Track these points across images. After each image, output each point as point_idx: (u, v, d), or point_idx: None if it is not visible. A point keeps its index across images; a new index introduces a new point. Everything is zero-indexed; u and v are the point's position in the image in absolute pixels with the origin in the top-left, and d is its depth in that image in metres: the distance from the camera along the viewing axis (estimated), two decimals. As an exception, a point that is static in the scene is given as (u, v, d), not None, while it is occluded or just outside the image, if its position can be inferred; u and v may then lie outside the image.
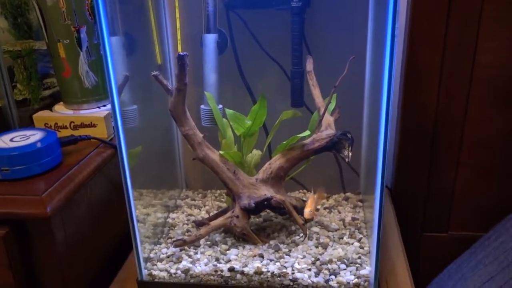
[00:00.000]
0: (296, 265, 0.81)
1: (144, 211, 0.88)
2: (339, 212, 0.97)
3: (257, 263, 0.81)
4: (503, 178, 1.19)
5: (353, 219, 0.94)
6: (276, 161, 0.87)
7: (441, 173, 1.20)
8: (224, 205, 1.01)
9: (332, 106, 0.90)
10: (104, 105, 0.96)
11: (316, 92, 0.91)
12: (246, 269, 0.80)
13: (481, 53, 1.06)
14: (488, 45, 1.06)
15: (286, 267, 0.80)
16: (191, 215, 0.98)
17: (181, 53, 0.76)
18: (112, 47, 0.71)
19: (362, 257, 0.83)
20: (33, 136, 0.80)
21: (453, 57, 1.06)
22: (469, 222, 1.24)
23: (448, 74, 1.08)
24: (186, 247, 0.86)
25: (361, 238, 0.88)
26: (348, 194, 1.04)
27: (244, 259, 0.83)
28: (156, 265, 0.84)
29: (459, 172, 1.18)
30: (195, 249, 0.86)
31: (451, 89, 1.09)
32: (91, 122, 0.90)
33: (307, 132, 0.84)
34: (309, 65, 0.91)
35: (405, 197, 1.23)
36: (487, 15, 1.03)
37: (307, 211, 0.84)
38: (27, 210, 0.71)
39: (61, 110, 0.95)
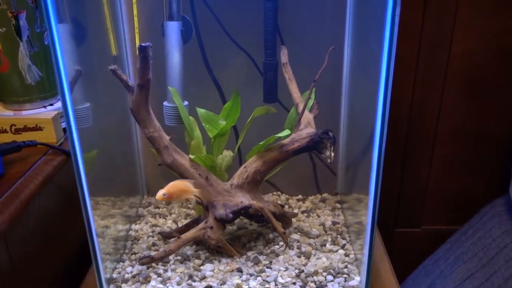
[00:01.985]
0: (280, 279, 0.73)
1: (102, 223, 0.77)
2: (318, 216, 0.90)
3: (236, 279, 0.73)
4: (476, 170, 1.17)
5: (334, 223, 0.88)
6: (252, 164, 0.78)
7: (415, 167, 1.17)
8: (192, 212, 0.92)
9: (311, 101, 0.82)
10: (51, 104, 0.83)
11: (293, 87, 0.83)
12: (224, 287, 0.72)
13: (456, 44, 1.02)
14: (464, 35, 1.02)
15: (268, 282, 0.73)
16: (156, 225, 0.88)
17: (143, 44, 0.66)
18: (60, 36, 0.60)
19: (349, 266, 0.76)
20: (-35, 145, 0.67)
21: (429, 49, 1.02)
22: (442, 217, 1.22)
23: (424, 66, 1.04)
24: (154, 264, 0.77)
25: (345, 245, 0.81)
26: (324, 195, 0.98)
27: (221, 275, 0.74)
28: (120, 286, 0.73)
29: (432, 166, 1.16)
30: (165, 266, 0.77)
31: (427, 81, 1.06)
32: (37, 125, 0.78)
33: (287, 132, 0.76)
34: (284, 57, 0.83)
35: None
36: (464, 5, 0.99)
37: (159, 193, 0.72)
38: (-38, 238, 0.58)
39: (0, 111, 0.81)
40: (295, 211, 0.91)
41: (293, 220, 0.87)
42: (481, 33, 1.02)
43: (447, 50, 1.02)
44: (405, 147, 1.13)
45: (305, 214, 0.90)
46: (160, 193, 0.72)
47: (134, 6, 0.82)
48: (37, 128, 0.78)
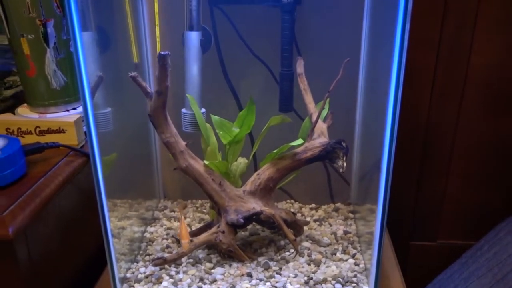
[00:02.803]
0: (288, 285, 0.74)
1: (119, 225, 0.79)
2: (330, 225, 0.91)
3: (245, 284, 0.74)
4: (493, 185, 1.16)
5: (345, 232, 0.88)
6: (265, 171, 0.80)
7: (431, 181, 1.16)
8: (206, 216, 0.94)
9: (324, 112, 0.83)
10: (74, 108, 0.87)
11: (308, 97, 0.84)
12: (233, 291, 0.73)
13: (475, 56, 1.02)
14: (483, 48, 1.02)
15: (277, 288, 0.74)
16: (170, 228, 0.90)
17: (162, 53, 0.68)
18: (84, 44, 0.63)
19: (358, 275, 0.77)
20: (-8, 145, 0.71)
21: (447, 61, 1.02)
22: (458, 231, 1.21)
23: (442, 79, 1.04)
24: (166, 266, 0.79)
25: (355, 254, 0.82)
26: (338, 204, 0.98)
27: (231, 279, 0.76)
28: (133, 286, 0.76)
29: (449, 179, 1.15)
30: (177, 268, 0.79)
31: (444, 94, 1.05)
32: (60, 128, 0.81)
33: (300, 141, 0.77)
34: (300, 67, 0.85)
35: (394, 204, 1.18)
36: (483, 18, 0.99)
37: (184, 243, 0.76)
38: (-15, 232, 0.61)
39: (25, 114, 0.85)
40: (308, 219, 0.92)
41: (305, 228, 0.88)
42: (501, 45, 1.01)
43: (465, 62, 1.02)
44: (422, 160, 1.13)
45: (317, 223, 0.91)
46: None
47: (156, 16, 0.85)
48: (60, 131, 0.81)
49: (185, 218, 0.94)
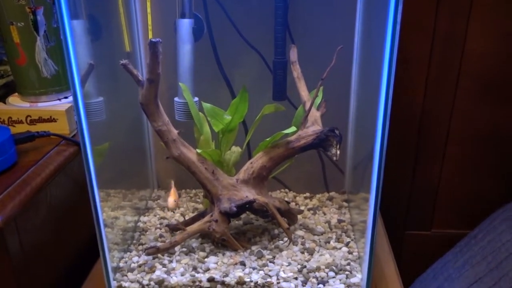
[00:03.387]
0: (282, 274, 0.74)
1: (112, 214, 0.79)
2: (324, 214, 0.90)
3: (239, 272, 0.74)
4: (487, 174, 1.16)
5: (339, 221, 0.88)
6: (258, 160, 0.79)
7: (426, 169, 1.16)
8: (200, 206, 0.94)
9: (318, 100, 0.83)
10: (66, 97, 0.86)
11: (301, 85, 0.84)
12: (227, 279, 0.73)
13: (470, 43, 1.01)
14: (478, 34, 1.01)
15: (270, 276, 0.74)
16: (164, 218, 0.90)
17: (153, 40, 0.68)
18: (74, 32, 0.62)
19: (352, 263, 0.77)
20: (-18, 133, 0.70)
21: (442, 47, 1.01)
22: (453, 220, 1.21)
23: (437, 65, 1.03)
24: (159, 255, 0.78)
25: (349, 242, 0.82)
26: (332, 193, 0.98)
27: (224, 268, 0.75)
28: (126, 275, 0.75)
29: (444, 168, 1.15)
30: (170, 257, 0.78)
31: (439, 80, 1.05)
32: (51, 116, 0.80)
33: (293, 128, 0.77)
34: (293, 55, 0.84)
35: (388, 194, 1.18)
36: (477, 6, 0.98)
37: (171, 201, 0.81)
38: (-26, 220, 0.61)
39: (16, 103, 0.84)
40: (302, 208, 0.92)
41: (299, 217, 0.88)
42: (496, 34, 1.01)
43: (460, 50, 1.01)
44: (417, 148, 1.13)
45: (311, 212, 0.91)
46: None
47: (148, 4, 0.84)
48: (51, 120, 0.81)
49: (178, 208, 0.94)
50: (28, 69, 0.82)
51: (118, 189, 0.83)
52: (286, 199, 0.96)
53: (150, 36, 0.85)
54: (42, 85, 0.83)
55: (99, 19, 0.77)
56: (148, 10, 0.84)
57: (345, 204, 0.94)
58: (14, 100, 0.85)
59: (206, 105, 0.80)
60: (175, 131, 0.76)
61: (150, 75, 0.70)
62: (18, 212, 0.65)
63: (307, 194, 0.98)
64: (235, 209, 0.76)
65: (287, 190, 0.99)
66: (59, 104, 0.84)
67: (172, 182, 0.85)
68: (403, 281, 0.83)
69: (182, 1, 0.81)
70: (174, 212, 0.92)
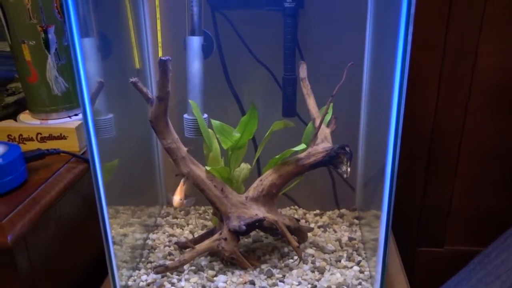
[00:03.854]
0: (292, 293, 0.73)
1: (121, 231, 0.79)
2: (335, 232, 0.89)
3: (248, 292, 0.73)
4: (501, 190, 1.14)
5: (350, 239, 0.87)
6: (268, 177, 0.79)
7: (438, 185, 1.15)
8: (209, 223, 0.93)
9: (328, 116, 0.82)
10: (76, 114, 0.86)
11: (311, 102, 0.83)
12: (236, 299, 0.72)
13: (481, 59, 1.00)
14: (488, 51, 1.00)
15: (280, 296, 0.73)
16: (173, 235, 0.90)
17: (162, 58, 0.68)
18: (85, 50, 0.62)
19: (363, 283, 0.76)
20: (-8, 151, 0.70)
21: (452, 63, 1.01)
22: (465, 237, 1.19)
23: (447, 81, 1.02)
24: (168, 273, 0.78)
25: (360, 261, 0.80)
26: (343, 210, 0.97)
27: (233, 287, 0.74)
28: (134, 294, 0.75)
29: (456, 184, 1.13)
30: (179, 275, 0.78)
31: (450, 96, 1.04)
32: (61, 134, 0.81)
33: (303, 146, 0.76)
34: (303, 72, 0.84)
35: (399, 210, 1.16)
36: (489, 20, 0.98)
37: (176, 199, 0.76)
38: (-16, 239, 0.61)
39: (27, 120, 0.85)
40: (312, 225, 0.91)
41: (309, 234, 0.87)
42: (507, 48, 1.00)
43: (471, 64, 1.00)
44: (428, 164, 1.11)
45: (322, 229, 0.90)
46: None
47: (158, 21, 0.84)
48: (61, 137, 0.81)
49: (187, 225, 0.93)
50: (39, 87, 0.82)
51: (127, 206, 0.83)
52: (296, 216, 0.95)
53: (160, 53, 0.86)
54: (53, 102, 0.84)
55: (109, 37, 0.78)
56: (158, 27, 0.85)
57: (355, 221, 0.93)
58: (25, 118, 0.86)
59: (215, 122, 0.79)
60: (184, 149, 0.76)
61: (160, 93, 0.70)
62: (28, 231, 0.65)
63: (317, 211, 0.97)
64: (244, 227, 0.75)
65: (296, 207, 0.98)
66: (69, 122, 0.84)
67: (182, 180, 0.80)
68: (416, 299, 0.82)
69: (192, 19, 0.82)
70: (183, 230, 0.91)
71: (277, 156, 0.78)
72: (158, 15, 0.84)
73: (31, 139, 0.81)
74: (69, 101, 0.85)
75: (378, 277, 0.71)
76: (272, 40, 0.85)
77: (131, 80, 0.71)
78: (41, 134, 0.81)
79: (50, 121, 0.84)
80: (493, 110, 1.05)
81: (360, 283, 0.75)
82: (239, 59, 0.88)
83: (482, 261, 1.04)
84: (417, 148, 1.10)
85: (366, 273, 0.78)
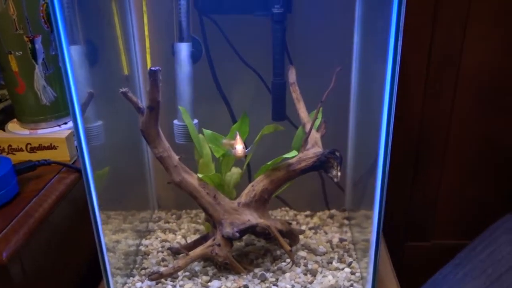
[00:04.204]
0: (285, 297, 0.74)
1: (113, 238, 0.79)
2: (326, 233, 0.91)
3: (242, 297, 0.74)
4: (487, 184, 1.17)
5: (341, 240, 0.88)
6: (260, 183, 0.80)
7: (425, 181, 1.17)
8: (201, 227, 0.94)
9: (318, 121, 0.83)
10: (65, 123, 0.86)
11: (300, 106, 0.84)
12: (231, 304, 0.73)
13: (466, 56, 1.02)
14: (474, 47, 1.02)
15: (274, 300, 0.74)
16: (165, 240, 0.90)
17: (153, 68, 0.68)
18: (73, 58, 0.62)
19: (355, 284, 0.77)
20: (-17, 165, 0.70)
21: (438, 60, 1.02)
22: (453, 230, 1.22)
23: (434, 78, 1.04)
24: (163, 280, 0.78)
25: (351, 263, 0.82)
26: (333, 211, 0.98)
27: (228, 292, 0.76)
28: (130, 302, 0.76)
29: (443, 178, 1.16)
30: (173, 281, 0.79)
31: (437, 93, 1.06)
32: (51, 144, 0.80)
33: (294, 153, 0.77)
34: (292, 76, 0.84)
35: (387, 206, 1.18)
36: (474, 17, 0.99)
37: (239, 148, 0.74)
38: (-22, 257, 0.61)
39: (16, 130, 0.84)
40: (303, 227, 0.93)
41: (301, 236, 0.88)
42: (491, 46, 1.02)
43: (457, 61, 1.02)
44: (416, 160, 1.14)
45: (313, 231, 0.91)
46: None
47: (146, 28, 0.84)
48: (51, 147, 0.80)
49: (179, 229, 0.94)
50: (27, 97, 0.82)
51: (119, 212, 0.83)
52: (287, 217, 0.96)
53: (149, 59, 0.85)
54: (42, 112, 0.83)
55: (96, 44, 0.77)
56: (146, 33, 0.84)
57: (346, 222, 0.95)
58: (14, 127, 0.85)
59: (207, 132, 0.80)
60: (176, 157, 0.76)
61: (151, 102, 0.70)
62: (22, 245, 0.65)
63: (308, 212, 0.98)
64: (238, 234, 0.76)
65: (287, 208, 0.99)
66: (59, 131, 0.83)
67: (237, 132, 0.79)
68: (404, 292, 0.83)
69: (180, 25, 0.81)
70: (175, 234, 0.92)
71: (268, 163, 0.79)
72: (145, 21, 0.84)
73: (21, 150, 0.81)
74: (58, 110, 0.85)
75: (369, 277, 0.72)
76: (261, 45, 0.85)
77: (121, 90, 0.70)
78: (30, 144, 0.81)
79: (39, 131, 0.83)
80: (479, 105, 1.07)
81: (351, 285, 0.77)
82: (228, 64, 0.88)
83: (468, 255, 1.07)
84: (405, 144, 1.12)
85: (357, 274, 0.80)
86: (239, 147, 0.75)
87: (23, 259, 0.69)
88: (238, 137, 0.76)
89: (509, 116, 1.10)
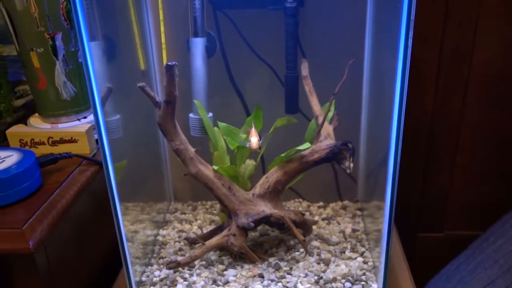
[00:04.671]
0: (299, 285, 0.76)
1: (132, 228, 0.82)
2: (338, 223, 0.93)
3: (257, 285, 0.77)
4: (498, 177, 1.17)
5: (353, 230, 0.90)
6: (274, 174, 0.82)
7: (437, 174, 1.18)
8: (216, 218, 0.96)
9: (330, 113, 0.85)
10: (85, 117, 0.88)
11: (313, 99, 0.85)
12: (246, 292, 0.76)
13: (478, 53, 1.03)
14: (485, 44, 1.02)
15: (288, 288, 0.76)
16: (182, 231, 0.93)
17: (169, 63, 0.70)
18: (92, 54, 0.64)
19: (367, 273, 0.79)
20: (8, 159, 0.73)
21: (450, 57, 1.03)
22: (464, 222, 1.23)
23: (445, 75, 1.05)
24: (180, 269, 0.81)
25: (363, 252, 0.84)
26: (345, 202, 1.00)
27: (243, 280, 0.78)
28: (148, 289, 0.78)
29: (454, 172, 1.16)
30: (190, 270, 0.81)
31: (448, 89, 1.06)
32: (72, 137, 0.83)
33: (307, 145, 0.79)
34: (304, 70, 0.86)
35: (400, 198, 1.19)
36: (485, 15, 1.00)
37: (254, 141, 0.76)
38: (6, 246, 0.64)
39: (38, 124, 0.87)
40: (316, 218, 0.94)
41: (314, 227, 0.90)
42: (503, 41, 1.02)
43: (468, 59, 1.03)
44: (427, 153, 1.14)
45: (326, 221, 0.93)
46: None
47: (161, 23, 0.86)
48: (72, 140, 0.83)
49: (196, 220, 0.96)
50: (48, 92, 0.84)
51: (137, 203, 0.86)
52: (300, 209, 0.98)
53: (164, 54, 0.87)
54: (62, 106, 0.86)
55: (114, 40, 0.80)
56: (162, 29, 0.86)
57: (358, 212, 0.96)
58: (35, 122, 0.88)
59: (222, 125, 0.82)
60: (192, 149, 0.78)
61: (167, 97, 0.73)
62: (47, 235, 0.68)
63: (321, 204, 1.00)
64: (252, 224, 0.78)
65: (300, 199, 1.01)
66: (79, 125, 0.86)
67: (253, 123, 0.80)
68: (416, 283, 0.85)
69: (195, 20, 0.83)
70: (191, 225, 0.95)
71: (282, 155, 0.80)
72: (161, 17, 0.86)
73: (43, 143, 0.84)
74: (78, 104, 0.87)
75: (381, 267, 0.74)
76: (274, 39, 0.87)
77: (139, 85, 0.72)
78: (52, 138, 0.83)
79: (60, 125, 0.86)
80: (489, 102, 1.08)
81: (364, 274, 0.79)
82: (242, 58, 0.90)
83: (481, 246, 1.08)
84: (417, 139, 1.13)
85: (369, 263, 0.81)
86: (254, 140, 0.77)
87: (47, 248, 0.72)
88: (253, 129, 0.78)
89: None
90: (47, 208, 0.70)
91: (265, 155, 0.93)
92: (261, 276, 0.78)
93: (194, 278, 0.79)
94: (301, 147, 0.79)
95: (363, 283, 0.77)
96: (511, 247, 1.00)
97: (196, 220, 0.96)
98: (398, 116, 0.65)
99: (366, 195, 0.95)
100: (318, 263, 0.81)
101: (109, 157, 0.69)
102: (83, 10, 0.61)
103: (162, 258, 0.85)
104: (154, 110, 0.75)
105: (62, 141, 0.83)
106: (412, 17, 0.59)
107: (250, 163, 0.88)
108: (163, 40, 0.87)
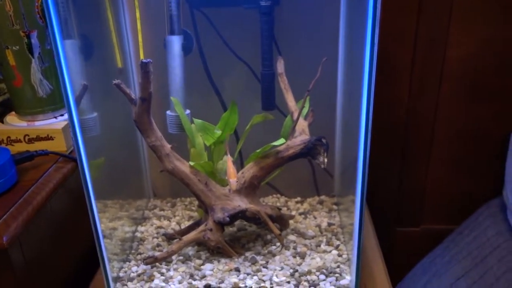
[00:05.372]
0: (275, 278, 0.78)
1: (110, 225, 0.82)
2: (315, 218, 0.94)
3: (234, 278, 0.78)
4: (472, 171, 1.20)
5: (329, 224, 0.92)
6: (249, 170, 0.83)
7: (413, 168, 1.20)
8: (194, 214, 0.97)
9: (305, 110, 0.86)
10: (62, 115, 0.89)
11: (288, 96, 0.87)
12: (222, 286, 0.77)
13: (451, 48, 1.05)
14: (459, 39, 1.05)
15: (264, 281, 0.77)
16: (160, 227, 0.93)
17: (144, 60, 0.70)
18: (67, 52, 0.65)
19: (341, 265, 0.81)
20: (-17, 156, 0.73)
21: (424, 53, 1.05)
22: (441, 216, 1.25)
23: (419, 70, 1.07)
24: (157, 264, 0.82)
25: (338, 245, 0.85)
26: (322, 197, 1.02)
27: (220, 274, 0.79)
28: (126, 285, 0.79)
29: (430, 167, 1.19)
30: (167, 265, 0.82)
31: (422, 85, 1.08)
32: (48, 135, 0.83)
33: (282, 140, 0.80)
34: (280, 67, 0.87)
35: (378, 193, 1.22)
36: (458, 9, 1.02)
37: (233, 182, 0.76)
38: (-20, 242, 0.64)
39: (14, 122, 0.87)
40: (293, 213, 0.96)
41: (291, 221, 0.91)
42: (474, 38, 1.04)
43: (441, 54, 1.05)
44: (403, 148, 1.17)
45: (303, 216, 0.95)
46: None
47: (138, 22, 0.86)
48: (48, 138, 0.84)
49: (174, 216, 0.97)
50: (24, 90, 0.85)
51: (115, 200, 0.87)
52: (278, 204, 1.00)
53: (141, 52, 0.88)
54: (39, 104, 0.86)
55: (91, 38, 0.80)
56: (139, 27, 0.87)
57: (334, 207, 0.98)
58: (12, 120, 0.88)
59: (197, 121, 0.83)
60: (168, 146, 0.79)
61: (143, 93, 0.73)
62: (21, 231, 0.68)
63: (298, 199, 1.01)
64: (228, 219, 0.79)
65: (279, 195, 1.03)
66: (55, 123, 0.86)
67: (229, 158, 0.79)
68: (395, 277, 0.87)
69: (171, 19, 0.84)
70: (170, 221, 0.95)
71: (258, 150, 0.82)
72: (138, 15, 0.86)
73: (19, 141, 0.84)
74: (54, 102, 0.88)
75: (354, 259, 0.76)
76: (250, 37, 0.88)
77: (115, 82, 0.73)
78: (28, 135, 0.84)
79: (36, 123, 0.86)
80: (463, 96, 1.10)
81: (338, 266, 0.80)
82: (218, 55, 0.91)
83: (455, 239, 1.11)
84: (393, 134, 1.15)
85: (344, 256, 0.83)
86: (232, 182, 0.77)
87: (23, 245, 0.72)
88: (231, 169, 0.78)
89: (492, 107, 1.12)
90: (22, 205, 0.70)
91: (243, 151, 0.94)
92: (238, 270, 0.80)
93: (171, 273, 0.80)
94: (276, 143, 0.80)
95: (337, 275, 0.78)
96: (484, 239, 1.02)
97: (174, 216, 0.97)
98: (366, 110, 0.67)
99: (342, 190, 0.97)
100: (294, 257, 0.83)
101: (83, 154, 0.69)
102: (56, 7, 0.61)
103: (140, 254, 0.86)
104: (131, 107, 0.76)
105: (38, 138, 0.83)
106: (378, 6, 0.60)
107: (227, 159, 0.89)
108: (140, 38, 0.88)
